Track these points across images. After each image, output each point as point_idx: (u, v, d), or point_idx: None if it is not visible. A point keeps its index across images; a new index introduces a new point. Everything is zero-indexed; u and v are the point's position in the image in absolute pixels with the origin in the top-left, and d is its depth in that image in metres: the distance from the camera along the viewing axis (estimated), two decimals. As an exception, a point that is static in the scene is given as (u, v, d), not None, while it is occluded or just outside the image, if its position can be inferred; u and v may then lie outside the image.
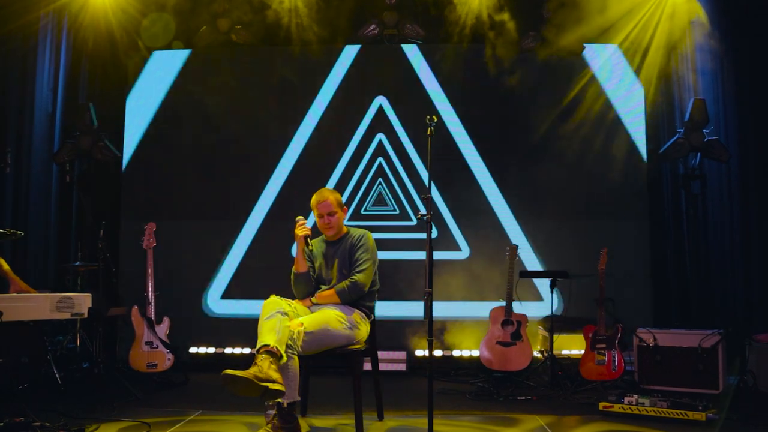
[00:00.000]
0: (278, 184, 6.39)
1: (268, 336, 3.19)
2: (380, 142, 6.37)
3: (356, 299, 3.64)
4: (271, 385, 3.03)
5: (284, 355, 3.17)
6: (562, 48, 6.03)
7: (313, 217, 3.86)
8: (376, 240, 3.82)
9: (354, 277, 3.59)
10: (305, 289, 3.70)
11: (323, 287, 3.73)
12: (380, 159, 6.36)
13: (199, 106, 6.44)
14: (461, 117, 6.34)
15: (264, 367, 3.06)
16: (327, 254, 3.76)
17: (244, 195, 6.41)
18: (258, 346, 3.19)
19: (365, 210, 6.31)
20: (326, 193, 3.72)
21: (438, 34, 6.25)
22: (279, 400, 3.19)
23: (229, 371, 3.02)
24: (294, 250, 3.78)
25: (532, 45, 6.12)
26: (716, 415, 3.85)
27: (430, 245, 3.34)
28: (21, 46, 5.86)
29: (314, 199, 3.72)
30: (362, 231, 3.77)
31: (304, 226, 3.62)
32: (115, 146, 6.08)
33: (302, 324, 3.31)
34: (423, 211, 3.40)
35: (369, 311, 3.70)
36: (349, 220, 6.25)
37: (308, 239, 3.61)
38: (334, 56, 6.49)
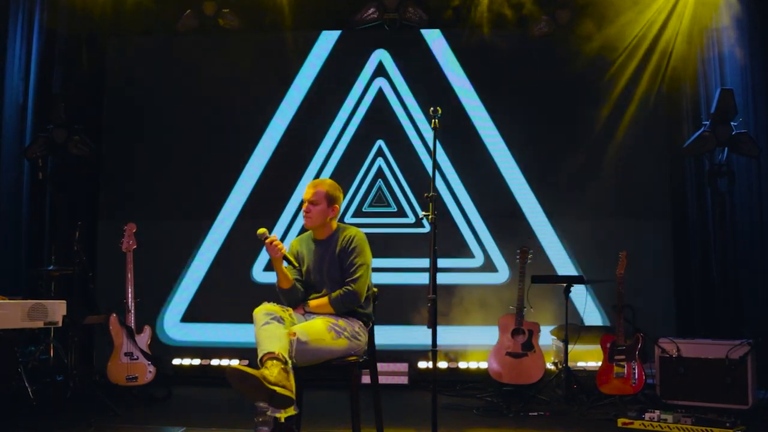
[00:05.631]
0: (271, 182, 6.41)
1: (270, 344, 3.16)
2: (379, 142, 6.40)
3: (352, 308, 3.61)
4: (279, 390, 3.00)
5: (289, 360, 3.16)
6: (577, 35, 6.04)
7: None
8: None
9: (349, 286, 3.55)
10: (294, 299, 3.65)
11: (313, 294, 3.68)
12: (380, 155, 6.38)
13: (184, 96, 6.45)
14: (465, 107, 6.35)
15: (274, 371, 3.04)
16: (315, 255, 3.68)
17: (233, 195, 6.42)
18: (260, 355, 3.15)
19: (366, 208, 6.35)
20: (320, 182, 3.68)
21: (442, 18, 6.25)
22: (278, 415, 3.17)
23: (238, 365, 3.00)
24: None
25: (545, 30, 6.12)
26: (745, 433, 3.86)
27: (433, 247, 3.33)
28: (-12, 32, 5.87)
29: (311, 182, 3.71)
30: (353, 230, 3.69)
31: (277, 243, 3.49)
32: (92, 140, 6.07)
33: (295, 334, 3.29)
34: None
35: (367, 318, 3.68)
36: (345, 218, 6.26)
37: (288, 257, 3.53)
38: (331, 43, 6.48)
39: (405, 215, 6.30)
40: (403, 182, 6.32)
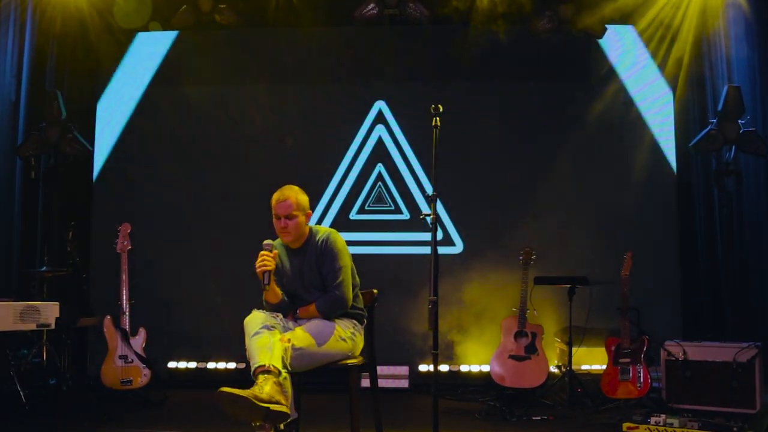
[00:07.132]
0: (267, 182, 6.37)
1: (260, 355, 3.14)
2: (379, 137, 6.40)
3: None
4: (273, 407, 2.98)
5: (282, 371, 3.14)
6: (581, 30, 6.04)
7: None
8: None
9: (333, 293, 3.51)
10: (282, 310, 3.61)
11: (298, 302, 3.64)
12: (381, 137, 6.39)
13: (178, 95, 6.44)
14: (467, 106, 6.33)
15: (265, 387, 3.01)
16: (293, 265, 3.63)
17: (228, 193, 6.40)
18: (253, 368, 3.13)
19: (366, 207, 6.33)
20: (288, 192, 3.54)
21: (444, 15, 6.24)
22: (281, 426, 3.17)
23: (227, 388, 2.95)
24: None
25: (548, 27, 6.11)
26: (753, 437, 3.85)
27: (434, 248, 3.33)
28: (-21, 29, 5.87)
29: (274, 196, 3.56)
30: (325, 232, 3.62)
31: (266, 259, 3.39)
32: (85, 138, 6.06)
33: (290, 341, 3.27)
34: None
35: (361, 314, 3.65)
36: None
37: (267, 276, 3.40)
38: (330, 39, 6.47)
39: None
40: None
